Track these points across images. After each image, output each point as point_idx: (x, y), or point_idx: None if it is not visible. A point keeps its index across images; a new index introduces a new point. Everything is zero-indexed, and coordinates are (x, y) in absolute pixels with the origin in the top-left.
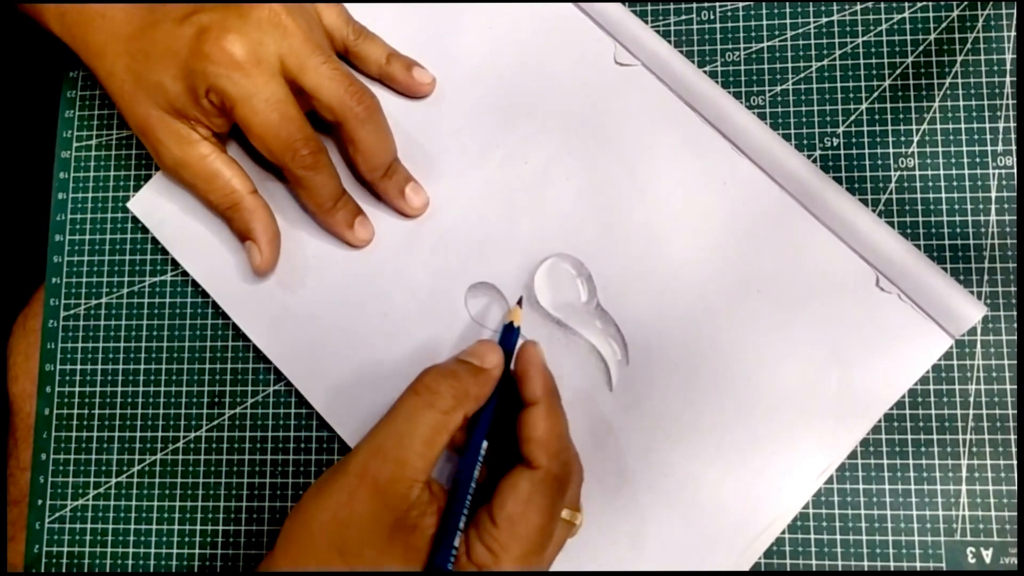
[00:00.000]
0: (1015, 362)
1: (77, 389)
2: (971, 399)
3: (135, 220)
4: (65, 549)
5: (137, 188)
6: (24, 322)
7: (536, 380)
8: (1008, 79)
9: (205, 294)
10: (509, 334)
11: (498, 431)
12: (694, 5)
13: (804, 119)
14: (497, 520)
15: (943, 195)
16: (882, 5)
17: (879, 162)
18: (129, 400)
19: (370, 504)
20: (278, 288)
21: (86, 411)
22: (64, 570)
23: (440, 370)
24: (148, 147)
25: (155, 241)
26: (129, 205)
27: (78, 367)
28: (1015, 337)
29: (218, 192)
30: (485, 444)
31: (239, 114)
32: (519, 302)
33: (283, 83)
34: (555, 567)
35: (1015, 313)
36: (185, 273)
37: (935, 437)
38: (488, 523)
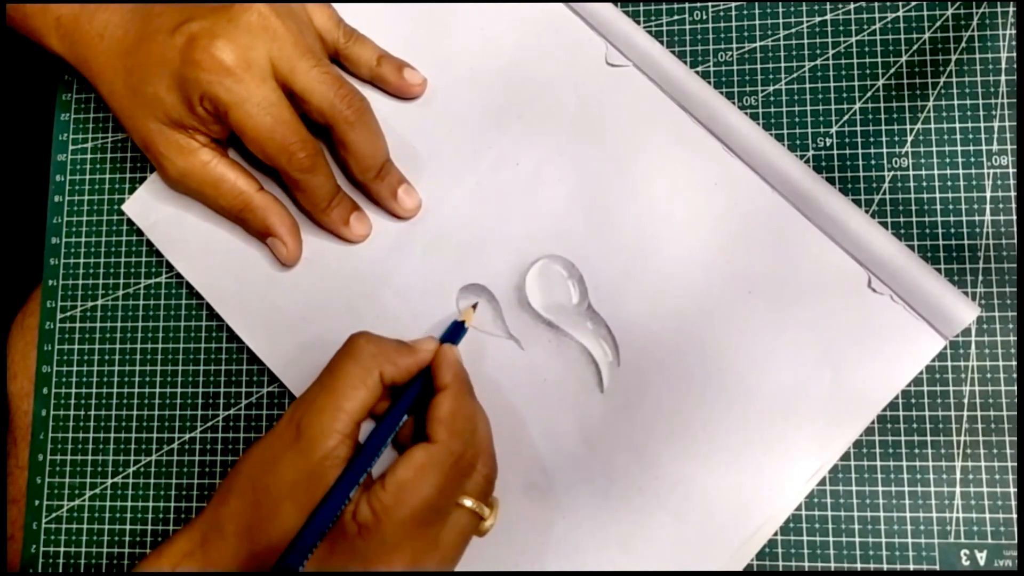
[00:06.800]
0: (1010, 363)
1: (73, 391)
2: (965, 400)
3: (130, 223)
4: (62, 549)
5: (132, 191)
6: (22, 320)
7: (447, 370)
8: (1004, 78)
9: (199, 296)
10: (455, 330)
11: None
12: (686, 5)
13: (797, 119)
14: (387, 484)
15: (937, 195)
16: (876, 4)
17: (873, 162)
18: (124, 401)
19: (290, 448)
20: (271, 290)
21: (82, 412)
22: (61, 570)
23: (370, 333)
24: (152, 161)
25: (150, 244)
26: (123, 207)
27: (74, 369)
28: (1010, 338)
29: (227, 196)
30: (405, 418)
31: (233, 119)
32: (474, 307)
33: (275, 86)
34: (545, 568)
35: (1010, 314)
36: (179, 275)
37: (929, 439)
38: (379, 487)
